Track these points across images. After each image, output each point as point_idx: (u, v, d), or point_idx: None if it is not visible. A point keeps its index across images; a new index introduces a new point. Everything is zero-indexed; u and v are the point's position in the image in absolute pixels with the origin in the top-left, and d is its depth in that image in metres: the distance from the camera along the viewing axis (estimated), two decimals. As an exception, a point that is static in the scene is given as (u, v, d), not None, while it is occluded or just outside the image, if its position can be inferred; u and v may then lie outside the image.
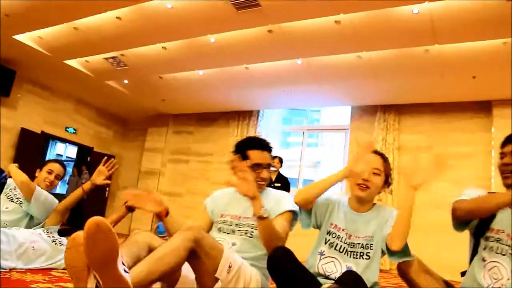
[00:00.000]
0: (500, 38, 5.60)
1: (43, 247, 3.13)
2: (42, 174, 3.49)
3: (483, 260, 2.02)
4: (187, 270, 2.06)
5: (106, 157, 3.37)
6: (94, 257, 1.46)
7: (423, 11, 5.23)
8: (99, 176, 3.25)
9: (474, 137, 7.67)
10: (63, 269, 3.19)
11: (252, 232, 2.30)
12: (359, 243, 2.10)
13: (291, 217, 2.30)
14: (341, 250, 2.12)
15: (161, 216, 2.23)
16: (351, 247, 2.11)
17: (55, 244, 3.21)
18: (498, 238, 2.01)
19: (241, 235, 2.32)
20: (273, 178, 7.15)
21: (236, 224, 2.36)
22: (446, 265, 3.34)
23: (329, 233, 2.18)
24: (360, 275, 1.85)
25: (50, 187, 3.52)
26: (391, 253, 2.00)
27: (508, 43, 5.62)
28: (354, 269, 2.01)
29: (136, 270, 1.70)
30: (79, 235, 1.50)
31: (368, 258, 2.07)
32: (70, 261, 1.50)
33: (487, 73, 6.52)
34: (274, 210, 2.30)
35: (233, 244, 2.27)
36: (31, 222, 3.42)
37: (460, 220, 2.07)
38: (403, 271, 1.96)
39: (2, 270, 2.77)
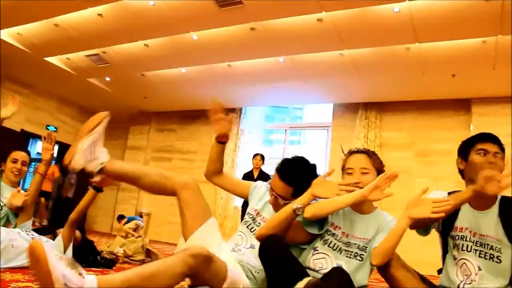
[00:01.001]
0: (479, 37, 5.70)
1: (23, 245, 3.09)
2: (8, 165, 3.38)
3: (454, 258, 2.09)
4: None
5: (49, 134, 3.41)
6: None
7: (404, 10, 5.30)
8: (46, 153, 3.27)
9: (453, 134, 7.78)
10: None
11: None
12: (355, 244, 2.09)
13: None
14: (334, 247, 2.11)
15: (221, 140, 2.53)
16: (346, 246, 2.10)
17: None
18: (462, 235, 2.07)
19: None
20: (255, 175, 7.18)
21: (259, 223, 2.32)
22: (428, 262, 3.39)
23: (327, 230, 2.16)
24: (348, 274, 1.82)
25: (19, 176, 3.43)
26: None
27: (486, 42, 5.73)
28: (345, 267, 1.97)
29: (118, 278, 1.54)
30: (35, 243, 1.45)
31: (361, 260, 2.06)
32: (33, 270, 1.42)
33: (466, 72, 6.63)
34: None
35: (251, 246, 2.23)
36: (7, 222, 3.38)
37: (419, 229, 2.11)
38: (382, 266, 1.98)
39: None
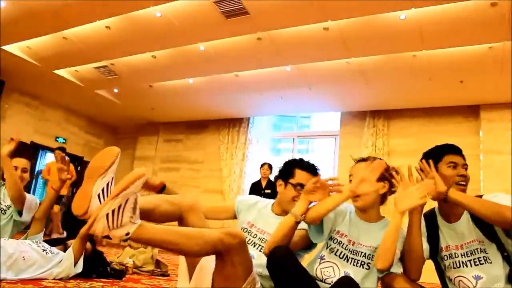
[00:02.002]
0: (486, 43, 5.69)
1: (33, 256, 3.10)
2: None
3: (450, 279, 2.07)
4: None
5: (58, 154, 3.42)
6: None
7: (410, 17, 5.30)
8: (62, 174, 3.26)
9: (462, 140, 7.71)
10: (54, 278, 3.17)
11: (261, 243, 2.32)
12: (362, 252, 2.09)
13: (306, 234, 2.24)
14: (341, 256, 2.11)
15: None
16: (353, 254, 2.10)
17: (46, 253, 3.19)
18: (449, 254, 2.06)
19: (260, 250, 2.29)
20: (264, 184, 7.18)
21: (260, 238, 2.35)
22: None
23: (331, 238, 2.17)
24: (356, 281, 1.83)
25: (21, 184, 3.45)
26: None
27: (493, 48, 5.71)
28: (352, 276, 1.98)
29: (158, 229, 1.61)
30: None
31: (368, 268, 2.06)
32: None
33: (474, 78, 6.62)
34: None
35: (251, 257, 2.22)
36: (15, 227, 3.40)
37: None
38: (387, 285, 1.96)
39: (-8, 282, 2.75)
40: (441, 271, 2.15)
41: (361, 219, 2.18)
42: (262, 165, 7.34)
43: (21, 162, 3.44)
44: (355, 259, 2.09)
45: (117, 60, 7.46)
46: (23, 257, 3.02)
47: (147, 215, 1.95)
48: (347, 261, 2.09)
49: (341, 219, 2.19)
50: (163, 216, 2.03)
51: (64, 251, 3.40)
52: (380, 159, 2.22)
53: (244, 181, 9.37)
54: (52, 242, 3.45)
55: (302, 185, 2.28)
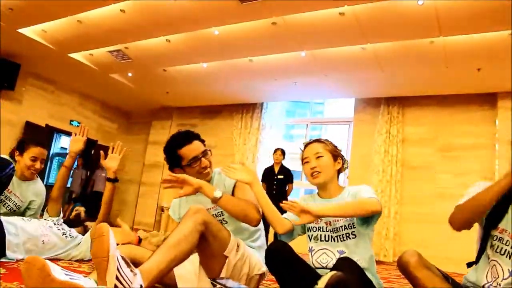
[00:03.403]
0: (505, 30, 5.57)
1: (53, 240, 3.14)
2: (25, 161, 3.26)
3: (488, 257, 2.03)
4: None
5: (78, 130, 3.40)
6: (94, 256, 1.51)
7: (428, 2, 5.21)
8: (75, 144, 3.30)
9: (478, 129, 7.66)
10: (70, 260, 3.22)
11: (224, 218, 2.37)
12: (341, 226, 2.12)
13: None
14: (327, 239, 2.15)
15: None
16: (335, 232, 2.13)
17: (65, 236, 3.23)
18: (500, 237, 2.00)
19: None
20: (276, 170, 7.19)
21: (214, 215, 2.37)
22: (452, 257, 3.36)
23: (309, 229, 2.22)
24: (352, 259, 1.89)
25: (35, 173, 3.42)
26: (363, 220, 2.06)
27: (513, 35, 5.60)
28: (345, 250, 2.06)
29: (154, 261, 1.71)
30: (102, 225, 1.53)
31: (355, 237, 2.10)
32: (95, 251, 1.51)
33: (492, 65, 6.49)
34: (228, 186, 2.37)
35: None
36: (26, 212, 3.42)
37: (460, 230, 2.03)
38: (403, 266, 1.95)
39: (9, 261, 2.80)
40: (483, 244, 2.08)
41: (325, 198, 2.23)
42: (275, 151, 7.35)
43: (42, 153, 3.39)
44: (340, 235, 2.13)
45: (131, 44, 7.46)
46: (43, 240, 3.06)
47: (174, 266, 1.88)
48: (334, 240, 2.14)
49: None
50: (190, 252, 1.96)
51: (84, 233, 3.45)
52: (325, 141, 2.31)
53: (257, 167, 9.38)
54: (72, 224, 3.50)
55: (195, 158, 2.41)
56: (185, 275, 2.16)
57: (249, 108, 10.00)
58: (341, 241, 2.11)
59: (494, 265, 1.98)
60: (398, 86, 7.93)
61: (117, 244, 2.49)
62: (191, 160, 2.37)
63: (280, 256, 1.95)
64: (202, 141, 2.50)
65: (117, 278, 1.47)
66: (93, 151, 11.04)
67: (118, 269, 1.49)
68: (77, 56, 8.23)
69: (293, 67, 7.53)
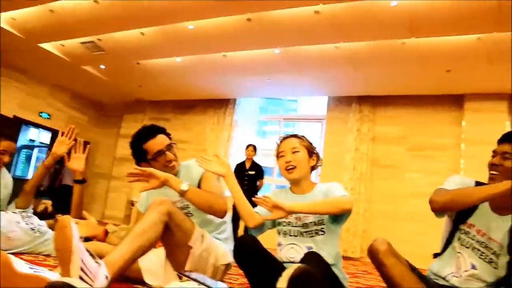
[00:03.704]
0: (475, 33, 5.73)
1: (20, 237, 3.07)
2: None
3: (454, 249, 2.12)
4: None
5: (66, 131, 3.27)
6: (56, 250, 1.50)
7: (401, 4, 5.31)
8: (60, 146, 3.21)
9: (446, 129, 7.86)
10: (37, 254, 3.17)
11: (188, 210, 2.39)
12: (311, 222, 2.15)
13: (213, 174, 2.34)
14: (295, 234, 2.18)
15: (100, 239, 2.33)
16: (304, 228, 2.16)
17: (34, 231, 3.16)
18: (468, 231, 2.09)
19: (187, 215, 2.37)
20: (248, 166, 7.22)
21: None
22: (419, 253, 3.43)
23: (279, 224, 2.25)
24: (319, 253, 1.92)
25: (1, 167, 3.35)
26: (334, 218, 2.11)
27: (481, 39, 5.76)
28: (313, 246, 2.10)
29: (118, 251, 1.72)
30: (64, 218, 1.51)
31: (324, 233, 2.13)
32: (57, 243, 1.49)
33: (461, 68, 6.67)
34: (195, 178, 2.38)
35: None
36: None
37: (436, 211, 2.10)
38: (372, 252, 2.01)
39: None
40: (452, 235, 2.17)
41: (298, 194, 2.26)
42: (247, 147, 7.38)
43: (9, 146, 3.31)
44: (309, 231, 2.16)
45: (104, 35, 7.35)
46: (9, 236, 2.99)
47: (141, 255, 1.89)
48: (303, 236, 2.17)
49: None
50: (155, 242, 1.98)
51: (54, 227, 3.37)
52: (302, 137, 2.34)
53: (228, 163, 9.38)
54: (42, 216, 3.42)
55: (159, 152, 2.43)
56: (151, 268, 2.17)
57: (222, 104, 9.99)
58: (310, 237, 2.14)
59: (459, 257, 2.08)
60: (370, 85, 8.05)
61: (85, 239, 2.46)
62: (155, 154, 2.39)
63: (248, 250, 1.98)
64: (168, 135, 2.50)
65: (81, 269, 1.46)
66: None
67: (82, 260, 1.48)
68: (48, 46, 8.06)
69: (267, 63, 7.55)
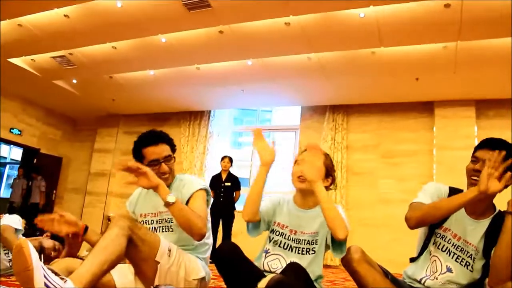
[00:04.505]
0: (440, 42, 5.91)
1: None
2: None
3: (430, 253, 2.17)
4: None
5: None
6: (16, 273, 1.47)
7: (369, 15, 5.44)
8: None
9: (417, 136, 8.02)
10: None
11: (171, 226, 2.34)
12: (304, 240, 2.16)
13: (204, 195, 2.32)
14: (285, 247, 2.17)
15: (79, 235, 2.19)
16: (296, 243, 2.16)
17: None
18: (443, 235, 2.14)
19: (163, 231, 2.34)
20: (224, 177, 7.22)
21: (156, 221, 2.38)
22: (393, 258, 3.50)
23: (272, 231, 2.23)
24: (300, 265, 1.92)
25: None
26: (334, 248, 2.08)
27: (447, 47, 5.93)
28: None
29: (84, 266, 1.71)
30: (20, 241, 1.48)
31: (314, 253, 2.14)
32: (16, 267, 1.46)
33: (429, 75, 6.85)
34: (185, 194, 2.32)
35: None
36: None
37: (412, 229, 2.12)
38: (346, 261, 2.05)
39: None
40: (426, 241, 2.21)
41: (300, 207, 2.25)
42: (223, 158, 7.37)
43: None
44: (299, 248, 2.16)
45: (76, 50, 7.30)
46: None
47: (107, 271, 1.87)
48: (291, 250, 2.16)
49: (280, 210, 2.25)
50: (121, 256, 1.95)
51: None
52: (327, 155, 2.28)
53: (204, 174, 9.37)
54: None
55: (155, 161, 2.33)
56: (127, 284, 2.16)
57: (197, 116, 9.99)
58: (298, 253, 2.14)
59: (435, 260, 2.12)
60: (342, 94, 8.17)
61: (58, 239, 2.37)
62: (150, 161, 2.32)
63: (227, 255, 1.97)
64: (172, 146, 2.42)
65: (46, 285, 1.45)
66: (35, 160, 10.67)
67: (45, 276, 1.46)
68: (17, 61, 7.94)
69: (240, 75, 7.61)
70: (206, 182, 2.40)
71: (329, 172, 2.22)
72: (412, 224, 2.05)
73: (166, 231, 2.33)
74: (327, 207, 1.98)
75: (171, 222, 2.33)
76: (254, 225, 2.21)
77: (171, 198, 2.06)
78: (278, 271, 2.03)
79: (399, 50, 6.24)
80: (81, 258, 2.36)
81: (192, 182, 2.35)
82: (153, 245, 2.05)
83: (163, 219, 2.34)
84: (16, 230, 3.24)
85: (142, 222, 2.42)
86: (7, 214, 3.43)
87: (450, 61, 6.25)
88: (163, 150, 2.37)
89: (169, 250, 2.10)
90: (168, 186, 2.36)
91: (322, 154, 2.09)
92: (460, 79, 6.76)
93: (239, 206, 7.17)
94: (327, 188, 2.21)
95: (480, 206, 2.06)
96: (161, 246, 2.07)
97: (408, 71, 6.79)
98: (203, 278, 2.27)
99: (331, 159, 2.30)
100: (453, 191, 2.14)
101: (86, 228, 2.19)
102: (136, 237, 1.96)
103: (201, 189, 2.31)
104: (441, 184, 2.23)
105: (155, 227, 2.37)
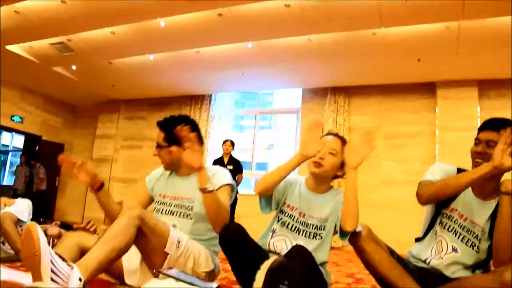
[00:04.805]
0: (443, 22, 5.82)
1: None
2: None
3: (435, 233, 2.17)
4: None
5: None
6: (23, 258, 1.47)
7: (370, -6, 5.36)
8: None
9: (419, 117, 7.99)
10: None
11: (190, 214, 2.34)
12: (313, 224, 2.15)
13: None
14: (292, 229, 2.17)
15: (94, 188, 2.20)
16: (304, 226, 2.16)
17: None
18: (450, 215, 2.14)
19: (180, 216, 2.36)
20: (226, 161, 7.22)
21: (175, 205, 2.39)
22: (396, 239, 3.49)
23: (282, 211, 2.22)
24: (305, 247, 1.89)
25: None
26: (342, 234, 2.08)
27: (450, 27, 5.85)
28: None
29: (91, 253, 1.71)
30: (29, 225, 1.48)
31: (321, 239, 2.14)
32: (24, 250, 1.46)
33: (431, 56, 6.77)
34: (213, 183, 2.28)
35: (174, 226, 2.30)
36: None
37: (423, 205, 2.13)
38: (353, 239, 2.06)
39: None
40: (433, 221, 2.21)
41: (311, 191, 2.24)
42: (224, 142, 7.37)
43: None
44: (307, 231, 2.15)
45: (74, 36, 7.23)
46: None
47: (116, 258, 1.87)
48: (299, 233, 2.16)
49: (291, 192, 2.24)
50: (129, 244, 1.95)
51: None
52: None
53: (206, 159, 9.37)
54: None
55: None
56: (131, 267, 2.17)
57: (198, 100, 9.95)
58: (305, 237, 2.14)
59: (440, 240, 2.12)
60: (343, 76, 8.12)
61: (74, 228, 2.38)
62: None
63: (233, 237, 1.98)
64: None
65: (53, 271, 1.44)
66: (37, 147, 10.67)
67: (52, 262, 1.46)
68: (15, 48, 7.88)
69: (241, 58, 7.55)
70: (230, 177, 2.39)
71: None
72: (424, 200, 2.05)
73: (183, 218, 2.35)
74: (351, 197, 2.01)
75: (191, 211, 2.34)
76: (266, 202, 2.20)
77: (211, 186, 2.07)
78: (283, 253, 2.04)
79: (400, 30, 6.16)
80: (95, 232, 2.39)
81: (223, 174, 2.37)
82: (163, 235, 2.06)
83: (183, 205, 2.36)
84: (19, 220, 3.23)
85: (159, 202, 2.46)
86: (19, 198, 3.45)
87: (452, 41, 6.18)
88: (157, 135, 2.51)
89: (178, 242, 2.11)
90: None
91: (372, 143, 2.09)
92: (462, 59, 6.69)
93: (241, 189, 7.18)
94: (339, 176, 2.22)
95: (488, 187, 2.05)
96: (170, 237, 2.08)
97: (410, 52, 6.72)
98: (212, 271, 2.29)
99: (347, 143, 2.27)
100: (461, 172, 2.11)
101: (101, 185, 2.21)
102: (146, 227, 1.96)
103: (229, 184, 2.34)
104: (448, 165, 2.22)
105: (172, 211, 2.39)
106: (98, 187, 2.20)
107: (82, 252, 1.92)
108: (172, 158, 2.43)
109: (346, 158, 2.07)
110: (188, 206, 2.36)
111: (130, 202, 2.06)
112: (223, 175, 2.37)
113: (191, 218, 2.33)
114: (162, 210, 2.42)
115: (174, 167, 2.49)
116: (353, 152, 2.07)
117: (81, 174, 2.16)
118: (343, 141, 2.24)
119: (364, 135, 2.09)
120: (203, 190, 2.07)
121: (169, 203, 2.41)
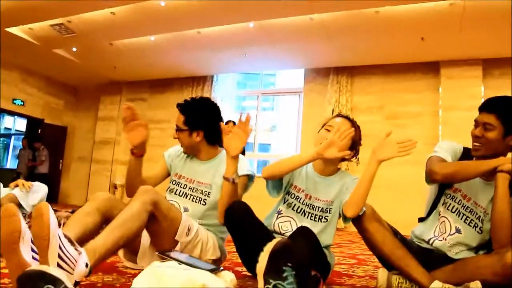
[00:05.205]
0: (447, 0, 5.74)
1: None
2: None
3: (439, 214, 2.16)
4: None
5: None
6: (34, 236, 1.44)
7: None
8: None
9: (422, 97, 7.93)
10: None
11: (205, 199, 2.33)
12: (318, 206, 2.15)
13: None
14: (298, 210, 2.16)
15: (137, 154, 2.27)
16: (309, 208, 2.15)
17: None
18: (453, 196, 2.13)
19: (193, 200, 2.35)
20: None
21: (190, 188, 2.39)
22: (398, 219, 3.50)
23: (288, 193, 2.21)
24: (310, 229, 1.89)
25: None
26: (345, 217, 2.08)
27: (454, 4, 5.77)
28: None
29: (100, 239, 1.70)
30: (41, 205, 1.46)
31: (326, 221, 2.14)
32: (34, 231, 1.43)
33: (435, 35, 6.69)
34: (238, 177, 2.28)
35: (185, 210, 2.30)
36: None
37: (436, 182, 2.12)
38: (356, 219, 2.05)
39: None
40: (436, 201, 2.20)
41: (318, 173, 2.22)
42: (227, 123, 7.29)
43: None
44: (312, 214, 2.15)
45: (74, 17, 7.17)
46: None
47: (123, 245, 1.86)
48: (304, 215, 2.15)
49: (298, 173, 2.22)
50: (139, 231, 1.94)
51: None
52: (358, 128, 2.24)
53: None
54: None
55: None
56: (143, 251, 2.16)
57: (199, 81, 9.90)
58: (311, 219, 2.14)
59: (443, 221, 2.11)
60: (345, 55, 8.04)
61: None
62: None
63: (238, 215, 1.98)
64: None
65: (60, 257, 1.44)
66: (39, 130, 10.68)
67: (60, 247, 1.45)
68: (15, 30, 7.83)
69: (242, 38, 7.49)
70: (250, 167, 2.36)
71: (355, 145, 2.17)
72: (440, 178, 2.00)
73: (196, 202, 2.34)
74: (365, 187, 2.01)
75: (208, 196, 2.34)
76: (274, 185, 2.18)
77: (236, 178, 2.05)
78: (288, 234, 2.05)
79: (404, 8, 6.08)
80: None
81: (242, 163, 2.26)
82: (175, 222, 2.05)
83: (200, 190, 2.35)
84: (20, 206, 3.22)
85: (174, 181, 2.45)
86: (37, 182, 3.43)
87: (456, 19, 6.09)
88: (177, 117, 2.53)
89: (189, 229, 2.11)
90: (216, 156, 2.44)
91: (410, 152, 2.04)
92: (466, 38, 6.61)
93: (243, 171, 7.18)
94: (346, 159, 2.19)
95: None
96: (182, 224, 2.07)
97: (413, 31, 6.64)
98: (218, 259, 2.30)
99: (360, 132, 2.24)
100: (467, 151, 2.11)
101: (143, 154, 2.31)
102: (158, 213, 1.95)
103: (247, 174, 2.30)
104: (455, 143, 2.20)
105: (186, 193, 2.38)
106: (141, 154, 2.28)
107: (106, 219, 1.89)
108: (192, 142, 2.41)
109: (378, 149, 2.03)
110: (204, 191, 2.35)
111: (147, 184, 2.03)
112: (244, 165, 2.30)
113: (205, 204, 2.33)
114: (176, 190, 2.41)
115: (194, 151, 2.46)
116: (388, 147, 2.04)
117: (134, 133, 2.25)
118: (352, 123, 2.21)
119: (407, 140, 2.05)
120: (227, 179, 2.04)
121: (184, 185, 2.40)
